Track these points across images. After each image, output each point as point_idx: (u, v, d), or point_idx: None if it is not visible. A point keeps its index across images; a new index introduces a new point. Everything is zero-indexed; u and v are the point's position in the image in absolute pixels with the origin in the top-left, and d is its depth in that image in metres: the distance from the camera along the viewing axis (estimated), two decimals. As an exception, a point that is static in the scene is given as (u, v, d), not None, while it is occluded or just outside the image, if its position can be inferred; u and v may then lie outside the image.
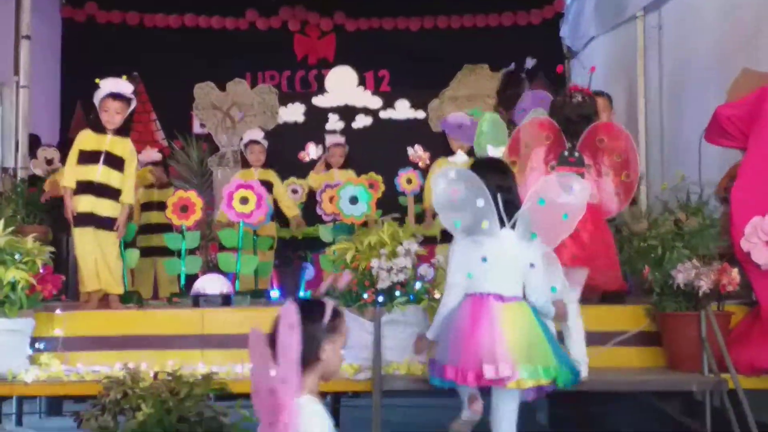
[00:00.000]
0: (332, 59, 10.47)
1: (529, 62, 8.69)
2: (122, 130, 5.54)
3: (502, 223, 3.74)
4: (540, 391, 3.79)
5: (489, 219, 3.71)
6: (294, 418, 2.38)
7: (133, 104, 5.58)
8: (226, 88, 10.21)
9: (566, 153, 4.41)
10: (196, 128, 10.06)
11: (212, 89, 10.15)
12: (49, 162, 7.09)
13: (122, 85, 5.53)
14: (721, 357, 4.40)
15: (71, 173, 5.45)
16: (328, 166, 7.85)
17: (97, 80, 5.52)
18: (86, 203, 5.39)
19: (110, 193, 5.44)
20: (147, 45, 10.00)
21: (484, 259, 3.73)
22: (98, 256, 5.39)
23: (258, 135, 7.22)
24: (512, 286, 3.75)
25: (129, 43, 10.04)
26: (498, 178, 3.84)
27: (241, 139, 7.45)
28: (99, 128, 5.49)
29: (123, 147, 5.52)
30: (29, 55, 7.16)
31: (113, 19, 10.04)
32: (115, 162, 5.46)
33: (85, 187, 5.40)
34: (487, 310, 3.68)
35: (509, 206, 3.76)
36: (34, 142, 7.43)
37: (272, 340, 2.42)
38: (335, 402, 6.24)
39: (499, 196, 3.74)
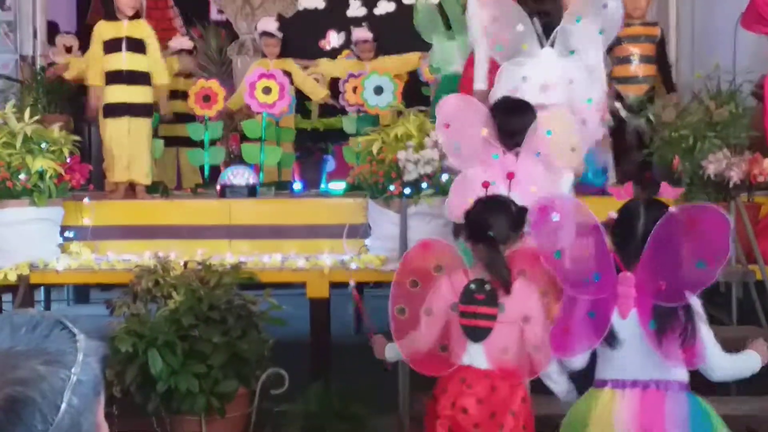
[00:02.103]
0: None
1: None
2: (136, 14, 5.48)
3: (542, 45, 3.94)
4: None
5: (528, 42, 3.93)
6: None
7: None
8: (244, -27, 9.93)
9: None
10: (214, 15, 9.84)
11: (231, -26, 9.88)
12: (68, 49, 7.00)
13: None
14: (749, 248, 4.39)
15: (98, 69, 5.39)
16: (358, 58, 7.57)
17: None
18: (118, 93, 5.37)
19: (140, 78, 5.42)
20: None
21: (524, 78, 3.91)
22: (131, 146, 5.39)
23: (271, 26, 6.89)
24: (553, 95, 3.83)
25: (143, -74, 9.73)
26: (536, 4, 4.02)
27: (256, 27, 7.24)
28: (114, 16, 5.40)
29: (141, 29, 5.47)
30: (45, -60, 6.99)
31: None
32: (138, 45, 5.42)
33: (114, 77, 5.37)
34: None
35: (547, 28, 3.93)
36: (52, 29, 7.33)
37: None
38: (358, 292, 6.32)
39: (536, 18, 3.90)
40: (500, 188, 3.23)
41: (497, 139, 3.50)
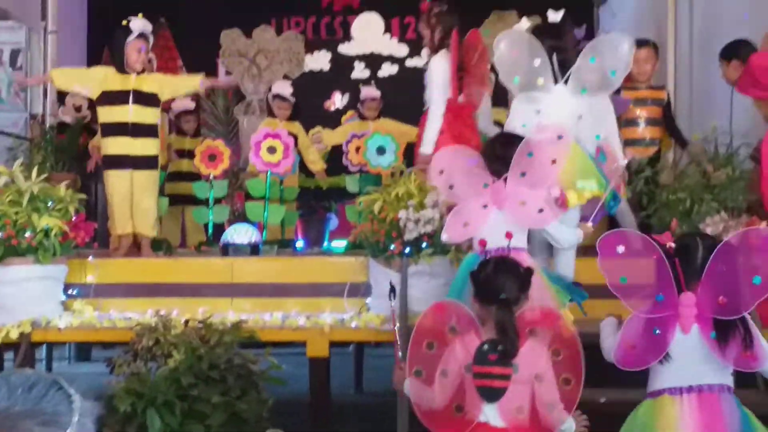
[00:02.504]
0: (357, 5, 10.34)
1: (552, 15, 8.58)
2: (144, 68, 5.61)
3: (556, 81, 4.19)
4: None
5: (544, 76, 4.17)
6: None
7: (151, 42, 5.67)
8: (252, 35, 10.15)
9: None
10: (222, 76, 10.01)
11: (239, 36, 10.08)
12: (78, 109, 7.11)
13: (148, 25, 5.61)
14: (747, 311, 4.39)
15: (77, 75, 5.58)
16: (362, 117, 7.71)
17: (124, 22, 5.52)
18: (120, 145, 5.44)
19: (145, 131, 5.49)
20: (174, -11, 9.93)
21: (538, 112, 4.15)
22: (136, 198, 5.45)
23: (286, 90, 7.09)
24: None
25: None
26: (553, 41, 4.29)
27: (270, 89, 7.39)
28: (124, 69, 5.51)
29: (150, 82, 5.57)
30: (58, 1, 7.16)
31: (139, -36, 9.96)
32: (146, 99, 5.51)
33: (118, 129, 5.44)
34: None
35: (562, 65, 4.16)
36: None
37: None
38: (359, 351, 6.33)
39: (554, 56, 4.14)
40: (493, 211, 3.73)
41: (492, 169, 3.79)
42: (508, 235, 3.61)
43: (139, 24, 5.52)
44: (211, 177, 6.17)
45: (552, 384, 2.94)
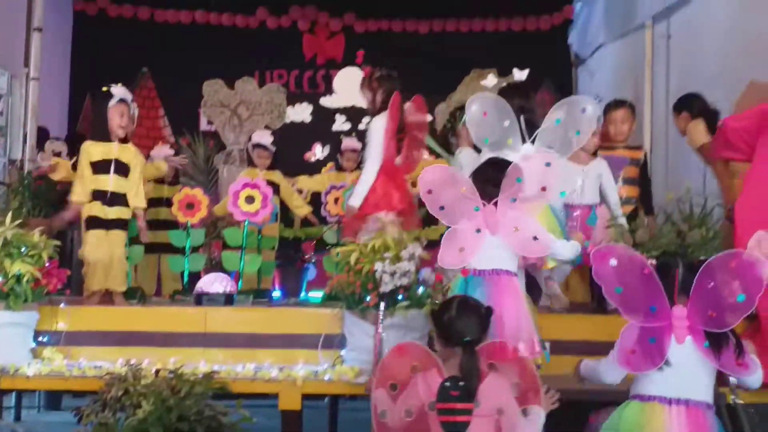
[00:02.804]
0: (340, 60, 10.49)
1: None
2: (125, 137, 5.62)
3: (524, 140, 4.38)
4: None
5: (513, 137, 4.37)
6: None
7: (132, 109, 5.66)
8: (234, 85, 10.23)
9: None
10: (204, 125, 10.08)
11: (221, 87, 10.18)
12: (57, 155, 7.11)
13: (128, 93, 5.65)
14: (721, 373, 4.39)
15: (83, 188, 5.49)
16: (340, 168, 7.80)
17: (105, 89, 5.57)
18: (99, 210, 5.48)
19: (120, 200, 5.54)
20: (157, 40, 10.03)
21: None
22: (108, 257, 5.44)
23: (266, 140, 7.16)
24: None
25: (139, 38, 10.05)
26: (521, 101, 4.50)
27: (250, 138, 7.44)
28: (106, 137, 5.53)
29: (129, 153, 5.60)
30: (40, 48, 7.20)
31: (125, 14, 10.06)
32: (124, 169, 5.56)
33: (98, 196, 5.48)
34: None
35: (530, 125, 4.31)
36: (43, 135, 7.46)
37: None
38: (333, 404, 6.26)
39: (521, 117, 4.31)
40: (486, 234, 3.85)
41: (484, 192, 3.90)
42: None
43: (120, 90, 5.58)
44: (188, 225, 6.15)
45: (514, 415, 3.12)
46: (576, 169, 5.33)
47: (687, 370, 3.24)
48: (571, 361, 4.46)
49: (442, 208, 4.00)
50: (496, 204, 3.91)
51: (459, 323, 3.23)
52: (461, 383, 3.08)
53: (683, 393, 3.26)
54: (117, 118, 5.50)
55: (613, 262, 3.33)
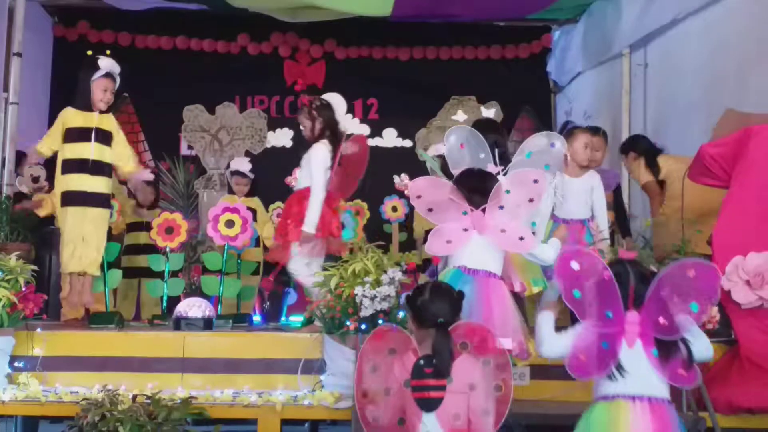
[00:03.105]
0: (321, 86, 10.49)
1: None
2: (108, 108, 5.68)
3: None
4: None
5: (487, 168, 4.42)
6: None
7: (117, 82, 5.72)
8: (215, 111, 10.23)
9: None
10: (184, 150, 10.05)
11: (201, 112, 10.17)
12: (35, 180, 7.07)
13: (116, 66, 5.71)
14: (699, 395, 4.42)
15: (50, 143, 5.54)
16: None
17: (89, 52, 5.58)
18: (80, 181, 5.47)
19: (104, 169, 5.56)
20: (138, 66, 9.94)
21: None
22: (85, 235, 5.43)
23: (244, 167, 7.22)
24: None
25: (120, 63, 9.99)
26: (494, 136, 4.63)
27: (229, 165, 7.45)
28: (87, 107, 5.58)
29: (110, 122, 5.66)
30: (20, 73, 7.19)
31: (105, 39, 10.03)
32: (105, 137, 5.58)
33: (79, 166, 5.48)
34: None
35: (502, 158, 4.41)
36: (21, 160, 7.41)
37: None
38: (313, 430, 6.23)
39: (495, 150, 4.37)
40: (473, 234, 4.04)
41: (470, 201, 4.10)
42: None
43: (106, 63, 5.62)
44: (168, 250, 6.13)
45: (485, 392, 3.33)
46: (568, 182, 5.48)
47: (642, 372, 3.33)
48: (552, 385, 4.51)
49: (430, 210, 4.15)
50: (483, 210, 4.09)
51: (432, 306, 3.45)
52: (434, 361, 3.31)
53: (644, 390, 3.34)
54: (99, 93, 5.57)
55: (575, 265, 3.41)
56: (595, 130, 5.88)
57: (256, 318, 6.75)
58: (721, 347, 4.86)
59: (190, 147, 10.09)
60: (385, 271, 4.67)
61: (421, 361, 3.33)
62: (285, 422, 4.66)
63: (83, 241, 5.47)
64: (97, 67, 5.60)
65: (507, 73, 10.28)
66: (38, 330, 4.97)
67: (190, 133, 10.13)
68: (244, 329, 5.71)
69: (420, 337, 3.43)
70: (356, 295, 4.58)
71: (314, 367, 4.87)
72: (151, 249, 6.46)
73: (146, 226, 6.60)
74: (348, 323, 4.61)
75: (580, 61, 9.22)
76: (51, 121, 9.46)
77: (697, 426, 4.36)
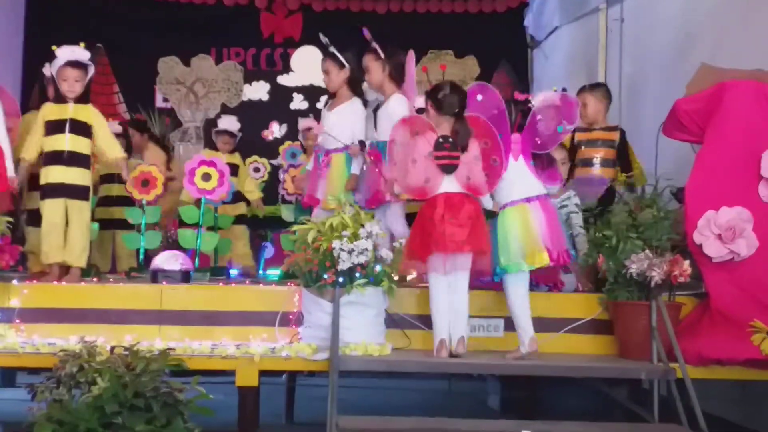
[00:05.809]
0: (298, 39, 10.42)
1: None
2: (82, 98, 5.50)
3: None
4: None
5: None
6: None
7: (91, 71, 5.54)
8: (190, 63, 10.13)
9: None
10: (159, 102, 9.96)
11: (176, 64, 10.06)
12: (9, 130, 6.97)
13: (79, 53, 5.48)
14: (670, 347, 4.51)
15: (33, 145, 5.40)
16: (303, 148, 7.82)
17: (53, 47, 5.46)
18: (57, 173, 5.36)
19: (80, 160, 5.42)
20: (112, 18, 9.86)
21: None
22: (68, 228, 5.36)
23: (234, 126, 7.27)
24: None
25: (94, 16, 9.88)
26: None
27: (210, 118, 7.44)
28: (59, 98, 5.44)
29: (87, 113, 5.49)
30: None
31: (80, -11, 9.87)
32: (81, 128, 5.43)
33: (55, 157, 5.37)
34: None
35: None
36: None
37: None
38: (291, 381, 6.29)
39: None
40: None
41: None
42: None
43: (66, 52, 5.44)
44: (144, 203, 6.10)
45: (485, 160, 4.62)
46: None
47: (526, 179, 4.71)
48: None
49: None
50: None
51: (451, 98, 4.62)
52: (450, 140, 4.56)
53: (531, 192, 4.68)
54: (63, 83, 5.41)
55: (479, 97, 4.76)
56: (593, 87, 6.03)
57: (233, 271, 6.77)
58: (693, 300, 4.95)
59: (165, 99, 9.99)
60: (363, 225, 4.69)
61: (441, 139, 4.55)
62: (263, 373, 4.71)
63: (63, 233, 5.36)
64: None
65: (484, 27, 10.24)
66: (14, 282, 4.96)
67: (166, 85, 10.04)
68: (222, 282, 5.73)
69: (437, 122, 4.62)
70: (334, 248, 4.60)
71: (292, 319, 4.91)
72: (125, 201, 6.41)
73: (119, 178, 6.55)
74: (325, 276, 4.63)
75: (557, 16, 9.20)
76: (24, 79, 9.39)
77: (667, 376, 4.46)
